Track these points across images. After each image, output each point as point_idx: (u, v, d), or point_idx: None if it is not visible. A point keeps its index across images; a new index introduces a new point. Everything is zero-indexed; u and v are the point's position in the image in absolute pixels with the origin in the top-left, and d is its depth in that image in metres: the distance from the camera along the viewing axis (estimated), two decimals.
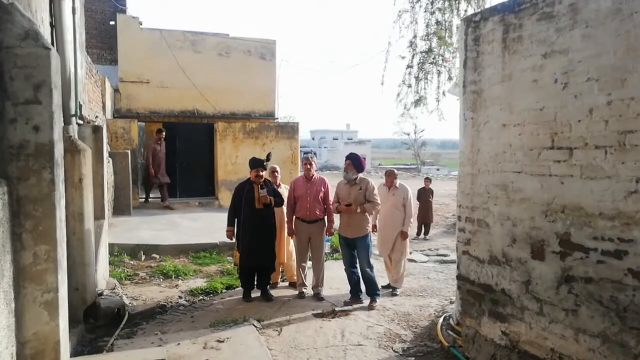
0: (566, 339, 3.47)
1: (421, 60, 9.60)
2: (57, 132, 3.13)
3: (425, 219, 11.31)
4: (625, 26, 3.06)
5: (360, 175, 6.04)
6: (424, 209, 11.28)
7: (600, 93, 3.22)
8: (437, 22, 9.27)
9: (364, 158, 7.20)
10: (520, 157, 3.86)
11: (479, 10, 4.91)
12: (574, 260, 3.42)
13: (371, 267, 5.95)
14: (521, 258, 3.85)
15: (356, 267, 6.04)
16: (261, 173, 6.04)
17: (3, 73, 2.90)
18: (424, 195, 11.42)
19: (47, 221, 3.03)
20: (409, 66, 9.71)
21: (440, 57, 9.45)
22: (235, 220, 6.11)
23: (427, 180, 12.09)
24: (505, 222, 4.01)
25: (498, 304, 4.08)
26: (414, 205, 7.59)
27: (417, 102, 9.76)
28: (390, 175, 6.82)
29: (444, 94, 9.60)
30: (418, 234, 11.32)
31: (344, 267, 6.17)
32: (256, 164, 6.09)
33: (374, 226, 6.61)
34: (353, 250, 6.00)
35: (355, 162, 5.97)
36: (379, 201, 5.99)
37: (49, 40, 3.89)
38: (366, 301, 5.95)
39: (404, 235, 6.54)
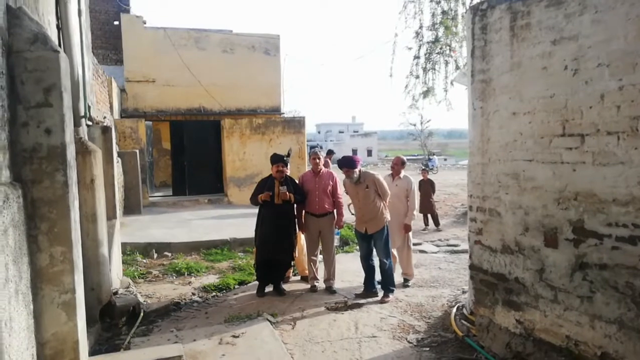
0: (582, 326, 3.47)
1: (428, 51, 9.53)
2: (68, 134, 3.16)
3: (427, 210, 11.30)
4: (635, 10, 3.02)
5: (362, 170, 5.95)
6: (425, 200, 11.28)
7: (611, 78, 3.19)
8: (443, 12, 9.19)
9: (356, 153, 7.11)
10: (531, 146, 3.83)
11: None
12: (588, 247, 3.40)
13: (390, 259, 5.93)
14: (534, 246, 3.84)
15: (372, 260, 6.02)
16: (281, 168, 6.05)
17: (14, 77, 2.92)
18: (424, 186, 11.41)
19: (62, 223, 3.06)
20: (416, 57, 9.64)
21: (447, 47, 9.37)
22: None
23: (424, 171, 12.17)
24: (517, 210, 4.00)
25: (512, 293, 4.08)
26: (417, 196, 7.50)
27: (426, 93, 9.70)
28: (398, 164, 6.66)
29: (451, 83, 9.53)
30: (426, 224, 11.31)
31: (359, 259, 6.16)
32: (277, 159, 6.11)
33: None
34: (370, 243, 5.97)
35: (350, 166, 5.81)
36: (388, 192, 5.96)
37: (57, 43, 3.91)
38: (380, 293, 5.95)
39: (406, 228, 6.46)
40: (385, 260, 5.89)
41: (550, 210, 3.69)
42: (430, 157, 38.07)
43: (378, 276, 6.12)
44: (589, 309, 3.42)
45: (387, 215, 5.94)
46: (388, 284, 5.91)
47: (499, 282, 4.23)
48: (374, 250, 6.02)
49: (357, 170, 5.85)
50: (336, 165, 6.49)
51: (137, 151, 12.02)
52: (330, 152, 12.40)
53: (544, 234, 3.74)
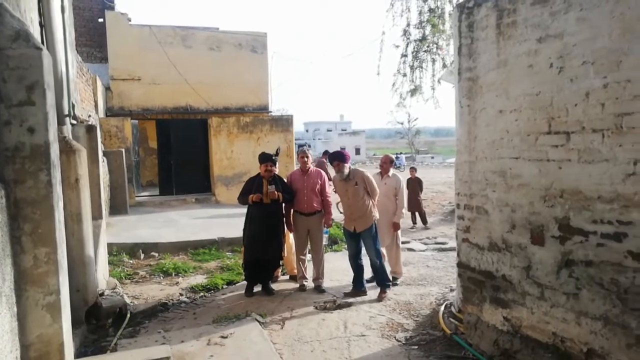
0: (568, 323, 3.50)
1: (415, 49, 9.57)
2: (52, 133, 3.10)
3: (415, 208, 11.32)
4: (620, 8, 3.05)
5: (351, 167, 5.98)
6: (413, 198, 11.29)
7: (596, 76, 3.22)
8: (430, 10, 9.23)
9: (344, 148, 7.08)
10: (517, 143, 3.86)
11: None
12: (573, 244, 3.43)
13: (380, 257, 5.95)
14: (521, 244, 3.86)
15: (360, 259, 6.03)
16: (270, 167, 6.03)
17: None
18: (412, 185, 11.43)
19: (46, 223, 3.02)
20: (404, 55, 9.67)
21: (435, 45, 9.42)
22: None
23: (413, 169, 12.17)
24: (504, 208, 4.02)
25: (499, 290, 4.10)
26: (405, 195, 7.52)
27: (413, 92, 9.74)
28: (387, 162, 6.70)
29: (439, 82, 9.57)
30: (414, 222, 11.36)
31: (348, 258, 6.16)
32: (265, 158, 6.08)
33: None
34: (358, 242, 5.98)
35: (342, 159, 5.86)
36: (377, 190, 5.98)
37: (39, 41, 3.84)
38: (371, 292, 5.94)
39: (395, 226, 6.48)
40: (375, 259, 5.90)
41: (536, 207, 3.71)
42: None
43: (366, 275, 6.13)
44: (575, 306, 3.45)
45: (376, 214, 5.95)
46: (383, 280, 5.93)
47: (486, 279, 4.26)
48: (363, 249, 6.02)
49: (347, 165, 5.86)
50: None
51: (123, 150, 11.88)
52: (326, 153, 12.39)
53: (531, 232, 3.77)
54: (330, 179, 6.65)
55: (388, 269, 6.52)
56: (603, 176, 3.21)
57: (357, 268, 6.03)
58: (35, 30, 4.02)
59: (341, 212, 11.23)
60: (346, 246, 6.63)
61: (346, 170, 5.84)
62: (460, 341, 4.44)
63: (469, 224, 4.46)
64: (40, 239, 3.00)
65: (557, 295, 3.57)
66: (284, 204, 6.23)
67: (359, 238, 5.95)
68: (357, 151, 65.99)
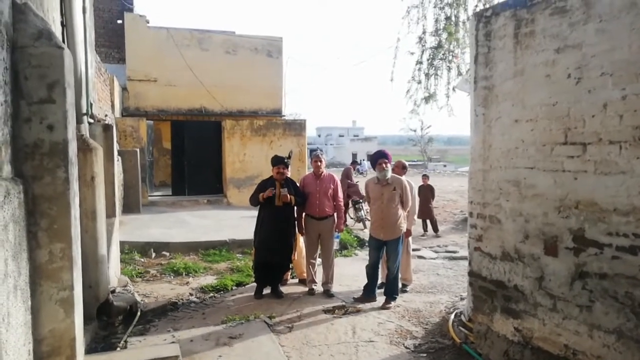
0: (580, 335, 3.46)
1: (431, 56, 9.55)
2: (70, 130, 3.15)
3: (426, 216, 11.25)
4: None
5: (393, 174, 5.92)
6: (424, 206, 11.21)
7: (614, 88, 3.20)
8: (447, 18, 9.21)
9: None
10: (532, 153, 3.83)
11: (490, 5, 4.89)
12: (588, 256, 3.40)
13: (398, 269, 5.91)
14: (534, 254, 3.83)
15: (378, 268, 5.98)
16: (282, 170, 6.05)
17: (17, 72, 2.91)
18: (424, 192, 11.35)
19: (62, 219, 3.05)
20: (419, 62, 9.65)
21: (450, 53, 9.38)
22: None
23: (425, 177, 12.10)
24: (518, 218, 3.99)
25: (511, 300, 4.07)
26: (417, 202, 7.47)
27: (428, 99, 9.71)
28: (399, 167, 6.67)
29: (453, 90, 9.53)
30: (425, 230, 11.30)
31: (357, 262, 6.10)
32: (277, 161, 6.11)
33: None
34: (381, 251, 5.91)
35: (387, 157, 5.79)
36: (410, 202, 5.94)
37: (61, 40, 3.90)
38: (381, 298, 5.90)
39: (406, 233, 6.42)
40: (393, 270, 5.84)
41: (550, 218, 3.68)
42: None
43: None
44: (587, 319, 3.41)
45: (404, 227, 5.89)
46: (392, 292, 5.87)
47: (497, 289, 4.23)
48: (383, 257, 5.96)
49: (390, 165, 5.83)
50: (361, 174, 6.46)
51: (138, 150, 12.02)
52: (354, 163, 12.39)
53: (544, 242, 3.74)
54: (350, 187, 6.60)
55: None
56: (619, 188, 3.18)
57: (373, 277, 5.97)
58: (57, 30, 4.09)
59: (352, 218, 11.26)
60: (356, 251, 6.63)
61: (389, 170, 5.79)
62: (470, 350, 4.41)
63: (482, 233, 4.44)
64: (56, 235, 3.03)
65: (570, 307, 3.53)
66: (295, 207, 6.24)
67: (383, 247, 5.87)
68: (369, 157, 65.82)
